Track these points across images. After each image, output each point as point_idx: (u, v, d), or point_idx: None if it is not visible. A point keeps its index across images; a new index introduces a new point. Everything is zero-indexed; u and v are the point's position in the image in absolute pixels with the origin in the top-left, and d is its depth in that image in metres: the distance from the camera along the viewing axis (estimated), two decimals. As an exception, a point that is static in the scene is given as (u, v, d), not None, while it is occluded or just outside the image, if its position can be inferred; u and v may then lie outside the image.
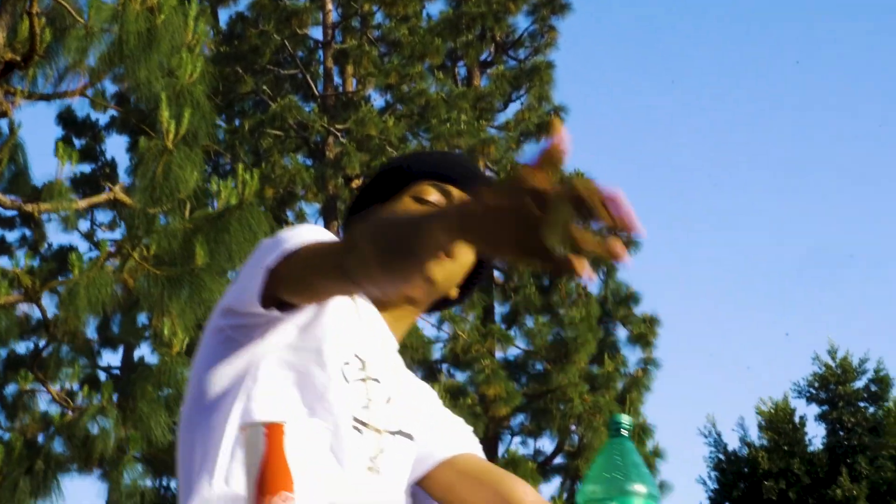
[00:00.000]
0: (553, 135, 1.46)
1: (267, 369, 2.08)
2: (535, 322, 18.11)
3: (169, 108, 7.88)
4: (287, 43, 18.86)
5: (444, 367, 18.06)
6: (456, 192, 2.29)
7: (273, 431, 1.66)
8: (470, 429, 2.42)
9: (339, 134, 18.00)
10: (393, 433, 2.22)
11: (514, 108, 19.23)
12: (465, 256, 2.28)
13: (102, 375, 18.68)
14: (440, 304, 2.39)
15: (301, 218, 18.11)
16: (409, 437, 2.27)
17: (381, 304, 2.28)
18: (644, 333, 18.68)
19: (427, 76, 18.35)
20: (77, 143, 20.03)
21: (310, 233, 2.01)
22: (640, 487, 2.28)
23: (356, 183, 17.24)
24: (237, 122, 19.43)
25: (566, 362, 17.51)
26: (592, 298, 18.24)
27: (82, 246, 18.84)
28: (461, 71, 19.95)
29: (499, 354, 18.07)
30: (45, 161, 24.94)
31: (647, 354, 18.75)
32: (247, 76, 18.86)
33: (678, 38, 42.49)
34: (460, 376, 17.76)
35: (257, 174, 8.20)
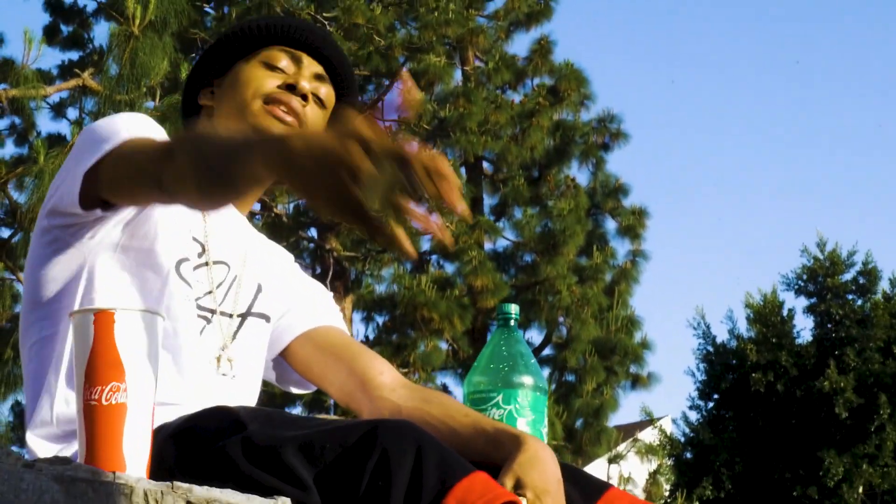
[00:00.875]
0: (402, 88, 1.39)
1: (100, 273, 1.99)
2: (523, 214, 18.01)
3: (136, -6, 7.75)
4: (274, -71, 18.58)
5: (433, 258, 18.02)
6: (306, 60, 2.22)
7: (102, 319, 1.58)
8: (329, 295, 2.34)
9: (326, 22, 17.77)
10: (244, 315, 2.15)
11: (504, -3, 18.97)
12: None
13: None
14: None
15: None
16: (265, 317, 2.20)
17: None
18: (633, 225, 18.58)
19: (416, -36, 18.07)
20: (64, 29, 19.80)
21: (130, 126, 1.91)
22: (526, 379, 2.21)
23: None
24: (225, 10, 19.20)
25: (554, 254, 17.44)
26: (581, 190, 18.14)
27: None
28: (451, -42, 19.63)
29: (487, 246, 18.02)
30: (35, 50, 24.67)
31: (635, 246, 18.66)
32: (234, -38, 18.61)
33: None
34: (449, 267, 17.72)
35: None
